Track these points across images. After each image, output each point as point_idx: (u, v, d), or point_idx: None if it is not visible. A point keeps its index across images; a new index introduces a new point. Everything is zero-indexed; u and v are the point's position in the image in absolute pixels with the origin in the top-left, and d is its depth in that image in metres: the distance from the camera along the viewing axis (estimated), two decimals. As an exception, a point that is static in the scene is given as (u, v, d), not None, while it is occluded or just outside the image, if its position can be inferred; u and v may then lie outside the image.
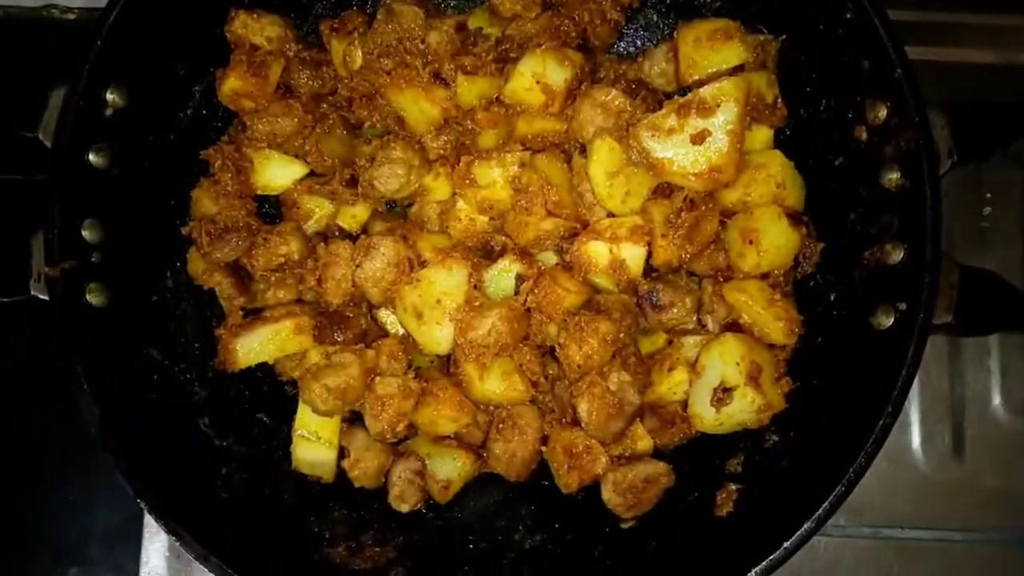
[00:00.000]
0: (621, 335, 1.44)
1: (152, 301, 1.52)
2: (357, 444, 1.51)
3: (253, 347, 1.49)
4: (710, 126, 1.41)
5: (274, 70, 1.55)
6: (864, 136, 1.44)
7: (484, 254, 1.60)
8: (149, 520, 1.69)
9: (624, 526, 1.50)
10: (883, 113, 1.39)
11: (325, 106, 1.63)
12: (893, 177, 1.38)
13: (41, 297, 1.36)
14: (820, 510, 1.29)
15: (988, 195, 1.87)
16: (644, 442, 1.51)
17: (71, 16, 2.09)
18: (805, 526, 1.29)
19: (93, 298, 1.38)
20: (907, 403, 1.76)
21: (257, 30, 1.55)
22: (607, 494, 1.47)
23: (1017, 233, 1.86)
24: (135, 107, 1.43)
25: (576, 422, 1.47)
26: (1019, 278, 1.83)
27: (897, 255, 1.37)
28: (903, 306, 1.33)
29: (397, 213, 1.68)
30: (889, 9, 1.87)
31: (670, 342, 1.56)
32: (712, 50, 1.48)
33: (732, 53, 1.48)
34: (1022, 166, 1.87)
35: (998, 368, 1.82)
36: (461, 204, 1.57)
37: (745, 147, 1.50)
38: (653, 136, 1.44)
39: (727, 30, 1.49)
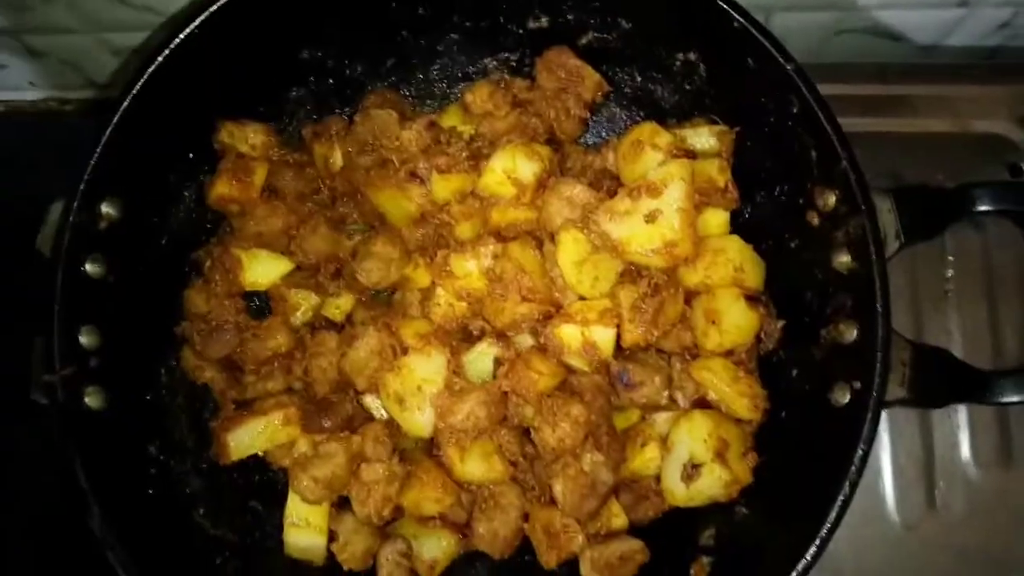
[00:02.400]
0: (593, 417, 1.51)
1: (147, 399, 1.59)
2: (346, 528, 1.57)
3: (244, 440, 1.56)
4: (661, 205, 1.50)
5: (259, 175, 1.64)
6: (816, 221, 1.51)
7: (464, 337, 1.67)
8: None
9: (604, 601, 1.56)
10: (832, 200, 1.47)
11: (310, 205, 1.71)
12: (844, 260, 1.46)
13: (40, 401, 1.43)
14: (785, 584, 1.35)
15: (951, 259, 1.94)
16: (619, 519, 1.57)
17: (69, 107, 2.21)
18: (774, 600, 1.35)
19: (92, 401, 1.44)
20: (879, 462, 1.84)
21: (242, 138, 1.64)
22: (585, 571, 1.52)
23: (981, 294, 1.92)
24: (129, 216, 1.51)
25: (554, 501, 1.54)
26: (986, 338, 1.89)
27: (851, 334, 1.43)
28: (858, 384, 1.39)
29: (381, 300, 1.76)
30: (848, 84, 1.99)
31: (643, 418, 1.63)
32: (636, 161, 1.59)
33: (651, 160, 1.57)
34: (981, 231, 1.94)
35: (967, 423, 1.86)
36: (440, 291, 1.65)
37: (703, 231, 1.60)
38: (611, 219, 1.54)
39: (639, 141, 1.58)
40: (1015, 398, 1.44)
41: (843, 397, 1.43)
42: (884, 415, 1.82)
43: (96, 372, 1.46)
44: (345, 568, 1.57)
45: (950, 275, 1.94)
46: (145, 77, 1.48)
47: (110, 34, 1.91)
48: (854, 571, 1.81)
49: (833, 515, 1.35)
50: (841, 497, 1.35)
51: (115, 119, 1.47)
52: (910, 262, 1.93)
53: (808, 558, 1.35)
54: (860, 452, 1.35)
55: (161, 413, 1.61)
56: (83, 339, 1.45)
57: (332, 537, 1.58)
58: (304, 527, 1.56)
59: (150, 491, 1.52)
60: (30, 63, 2.03)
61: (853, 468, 1.35)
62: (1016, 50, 2.05)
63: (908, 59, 2.08)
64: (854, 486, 1.36)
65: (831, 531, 1.35)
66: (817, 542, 1.35)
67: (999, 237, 1.93)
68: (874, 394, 1.37)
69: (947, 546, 1.82)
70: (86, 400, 1.44)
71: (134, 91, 1.47)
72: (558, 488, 1.50)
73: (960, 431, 1.87)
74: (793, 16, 1.87)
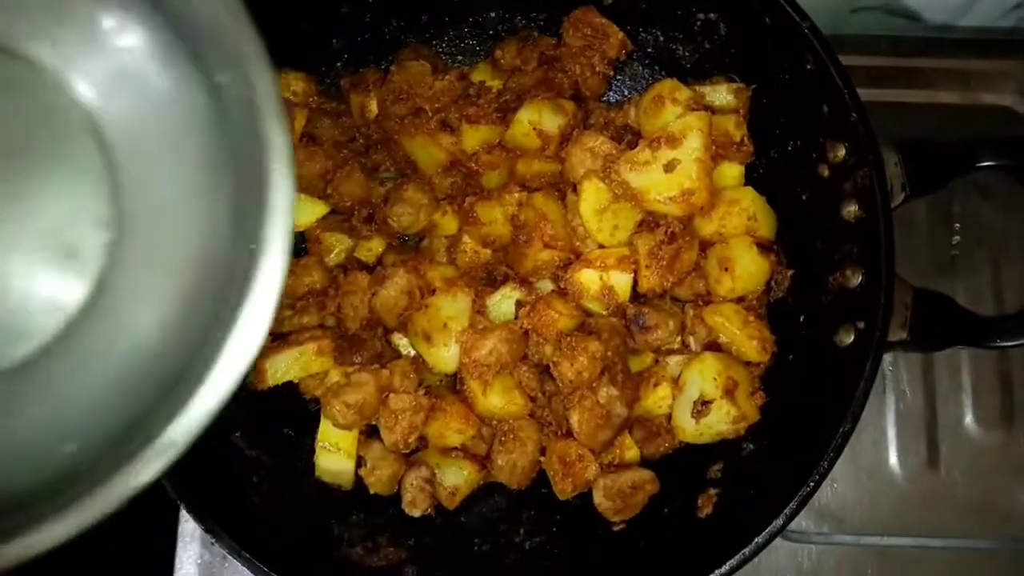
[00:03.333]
0: (609, 353, 1.59)
1: (191, 326, 1.68)
2: (373, 454, 1.66)
3: (280, 367, 1.64)
4: (679, 155, 1.57)
5: (299, 120, 1.73)
6: (826, 173, 1.58)
7: (488, 282, 1.76)
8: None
9: (615, 529, 1.64)
10: (841, 152, 1.54)
11: (345, 151, 1.80)
12: (852, 209, 1.53)
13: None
14: (788, 508, 1.41)
15: (957, 225, 2.01)
16: (632, 452, 1.65)
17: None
18: (775, 523, 1.41)
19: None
20: (884, 420, 1.91)
21: (284, 84, 1.73)
22: (598, 499, 1.61)
23: (985, 259, 1.99)
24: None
25: (570, 433, 1.62)
26: (990, 301, 1.97)
27: (856, 279, 1.51)
28: (861, 325, 1.47)
29: (410, 246, 1.85)
30: (863, 55, 2.06)
31: (656, 361, 1.71)
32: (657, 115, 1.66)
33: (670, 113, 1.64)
34: (987, 197, 2.01)
35: (970, 385, 1.93)
36: (466, 238, 1.74)
37: (719, 184, 1.67)
38: (631, 169, 1.61)
39: (659, 96, 1.65)
40: (1015, 341, 1.50)
41: (847, 337, 1.50)
42: (888, 374, 1.93)
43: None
44: (371, 492, 1.66)
45: (956, 241, 2.01)
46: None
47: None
48: (857, 521, 1.88)
49: (834, 446, 1.42)
50: (842, 428, 1.42)
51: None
52: (917, 228, 2.00)
53: (810, 485, 1.42)
54: (863, 385, 1.42)
55: (202, 341, 1.70)
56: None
57: (360, 463, 1.67)
58: (334, 451, 1.65)
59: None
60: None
61: (855, 401, 1.42)
62: (1030, 31, 2.11)
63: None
64: (856, 418, 1.43)
65: (832, 461, 1.42)
66: (819, 470, 1.42)
67: (1006, 204, 2.00)
68: (877, 331, 1.44)
69: (946, 500, 1.88)
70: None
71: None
72: (574, 418, 1.58)
73: (964, 392, 1.93)
74: (808, -8, 1.93)
